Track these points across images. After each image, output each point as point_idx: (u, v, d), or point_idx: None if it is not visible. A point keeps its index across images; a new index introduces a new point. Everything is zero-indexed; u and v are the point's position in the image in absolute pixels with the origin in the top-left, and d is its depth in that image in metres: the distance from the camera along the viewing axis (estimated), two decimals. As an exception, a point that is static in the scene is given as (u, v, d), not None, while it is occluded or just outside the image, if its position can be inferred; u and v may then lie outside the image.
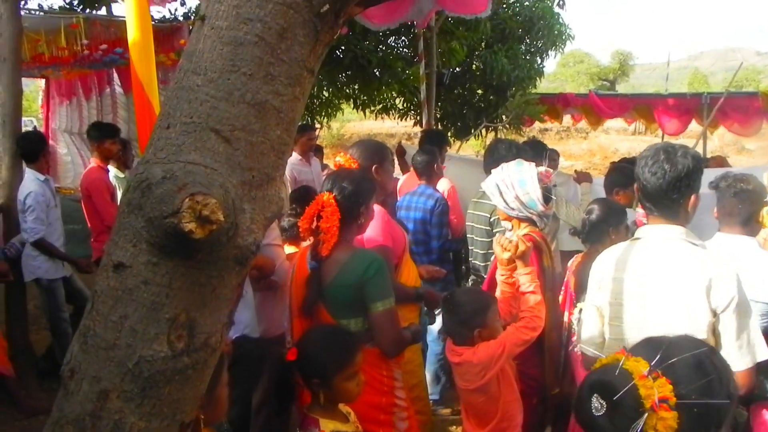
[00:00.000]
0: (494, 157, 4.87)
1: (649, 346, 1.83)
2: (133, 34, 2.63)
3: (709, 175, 3.60)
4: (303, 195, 4.61)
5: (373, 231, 3.69)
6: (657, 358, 1.73)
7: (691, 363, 1.76)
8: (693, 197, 2.82)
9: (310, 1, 1.51)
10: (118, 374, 1.51)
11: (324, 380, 2.63)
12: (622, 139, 29.49)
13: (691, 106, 12.69)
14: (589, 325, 3.04)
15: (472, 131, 13.03)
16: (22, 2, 6.02)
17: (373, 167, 3.92)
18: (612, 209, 4.12)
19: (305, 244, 3.53)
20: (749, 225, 3.70)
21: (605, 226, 4.08)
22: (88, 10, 11.45)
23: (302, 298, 3.24)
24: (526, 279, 3.44)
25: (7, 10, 5.29)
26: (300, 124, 9.18)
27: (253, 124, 1.51)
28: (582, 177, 6.09)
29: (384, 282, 3.11)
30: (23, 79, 6.25)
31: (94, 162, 6.45)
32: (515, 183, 3.85)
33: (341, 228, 3.15)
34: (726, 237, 3.75)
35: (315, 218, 3.20)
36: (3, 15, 5.31)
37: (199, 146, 1.47)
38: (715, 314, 2.66)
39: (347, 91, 12.87)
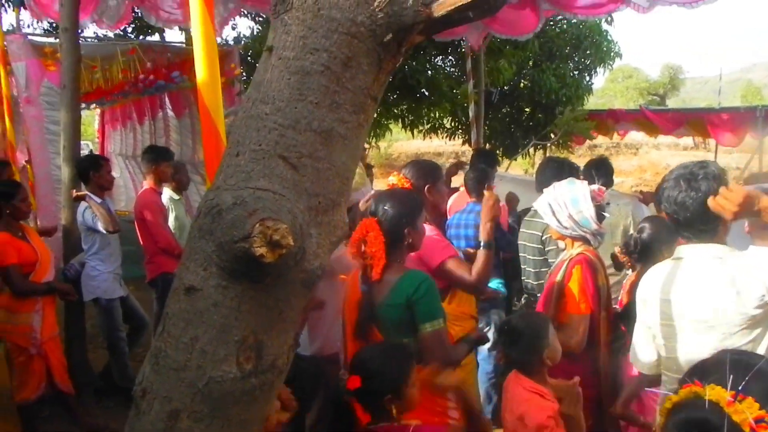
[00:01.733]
0: (546, 175, 4.87)
1: (715, 370, 1.80)
2: (200, 60, 2.69)
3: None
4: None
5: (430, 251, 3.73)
6: (731, 379, 1.70)
7: (762, 376, 1.73)
8: None
9: (373, 31, 1.55)
10: (189, 394, 1.55)
11: (397, 393, 2.65)
12: (673, 154, 29.05)
13: (745, 119, 12.47)
14: (641, 346, 3.04)
15: (521, 150, 13.00)
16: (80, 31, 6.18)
17: (426, 187, 3.95)
18: (664, 227, 4.08)
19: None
20: None
21: (657, 245, 4.05)
22: (141, 37, 11.76)
23: (355, 321, 3.28)
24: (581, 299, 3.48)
25: (66, 40, 5.47)
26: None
27: (319, 150, 1.55)
28: (648, 197, 6.03)
29: (432, 302, 3.12)
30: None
31: (147, 184, 6.57)
32: (568, 202, 3.85)
33: (388, 250, 3.19)
34: (759, 250, 3.70)
35: (361, 243, 3.24)
36: (63, 44, 5.49)
37: (268, 173, 1.51)
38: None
39: (396, 110, 12.95)
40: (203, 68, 2.71)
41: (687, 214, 2.79)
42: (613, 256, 4.57)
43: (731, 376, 1.67)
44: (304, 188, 1.54)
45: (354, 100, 1.58)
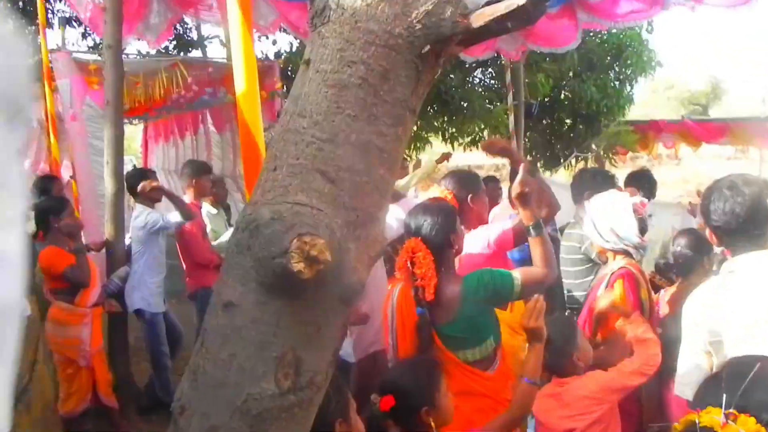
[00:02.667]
0: (581, 186, 4.84)
1: (713, 388, 1.79)
2: (239, 76, 2.71)
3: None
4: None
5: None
6: (724, 397, 1.69)
7: (756, 384, 1.71)
8: None
9: (411, 43, 1.53)
10: (227, 411, 1.54)
11: (432, 403, 2.65)
12: (718, 164, 28.59)
13: None
14: (686, 368, 2.96)
15: (562, 161, 12.89)
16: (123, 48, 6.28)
17: (469, 197, 3.95)
18: (701, 239, 4.04)
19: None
20: None
21: (697, 256, 4.01)
22: (183, 53, 11.92)
23: (414, 346, 3.26)
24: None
25: (110, 57, 5.55)
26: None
27: (357, 164, 1.53)
28: (696, 209, 5.95)
29: (502, 275, 3.23)
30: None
31: (188, 199, 6.63)
32: (610, 215, 3.80)
33: (437, 266, 3.16)
34: None
35: (409, 265, 3.22)
36: (107, 61, 5.57)
37: (306, 187, 1.50)
38: None
39: (435, 124, 12.95)
40: (243, 82, 2.72)
41: (739, 220, 2.74)
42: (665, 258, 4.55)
43: (725, 395, 1.66)
44: (342, 202, 1.52)
45: (392, 113, 1.56)
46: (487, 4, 1.56)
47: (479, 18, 1.55)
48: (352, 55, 1.53)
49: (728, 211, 2.76)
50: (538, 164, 12.97)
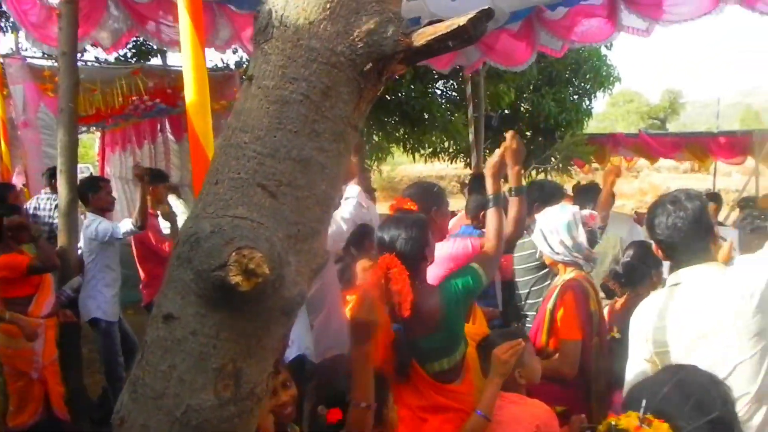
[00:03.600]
0: (531, 198, 4.88)
1: (634, 395, 1.87)
2: (189, 85, 2.71)
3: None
4: (361, 236, 4.58)
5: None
6: (643, 402, 1.77)
7: (676, 391, 1.79)
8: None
9: (353, 61, 1.57)
10: (167, 423, 1.54)
11: (379, 419, 2.65)
12: (674, 177, 29.11)
13: (743, 143, 12.55)
14: (633, 376, 3.02)
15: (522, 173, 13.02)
16: (80, 54, 6.22)
17: (433, 210, 3.96)
18: (650, 251, 4.11)
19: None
20: None
21: (645, 269, 4.07)
22: (142, 61, 11.83)
23: (391, 362, 3.25)
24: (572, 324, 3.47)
25: (64, 63, 5.49)
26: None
27: (298, 179, 1.55)
28: (643, 219, 6.03)
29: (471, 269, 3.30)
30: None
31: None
32: (560, 227, 3.86)
33: (412, 280, 3.16)
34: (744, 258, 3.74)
35: (384, 282, 3.21)
36: (61, 67, 5.52)
37: (246, 201, 1.52)
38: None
39: (396, 135, 13.00)
40: (192, 93, 2.72)
41: (681, 234, 2.83)
42: (603, 286, 4.58)
43: (644, 399, 1.74)
44: (284, 216, 1.54)
45: (334, 129, 1.59)
46: (430, 23, 1.60)
47: (421, 37, 1.58)
48: (294, 71, 1.56)
49: (671, 226, 2.84)
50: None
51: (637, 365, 2.99)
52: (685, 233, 2.82)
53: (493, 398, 3.02)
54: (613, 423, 1.78)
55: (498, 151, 3.53)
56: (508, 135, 3.59)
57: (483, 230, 5.51)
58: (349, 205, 4.11)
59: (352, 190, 4.21)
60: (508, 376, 3.11)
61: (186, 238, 1.52)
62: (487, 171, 3.56)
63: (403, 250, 3.20)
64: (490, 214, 3.48)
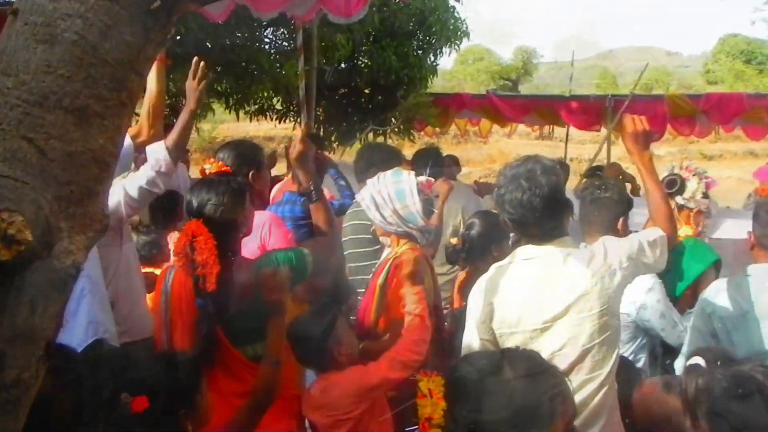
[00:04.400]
0: (364, 163, 4.91)
1: None
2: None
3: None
4: (169, 205, 4.47)
5: (278, 241, 3.72)
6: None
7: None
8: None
9: (138, -4, 1.54)
10: None
11: (191, 406, 2.65)
12: (525, 143, 30.18)
13: (596, 108, 13.03)
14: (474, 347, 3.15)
15: (358, 135, 13.08)
16: None
17: (250, 173, 3.91)
18: (495, 223, 4.21)
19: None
20: (609, 233, 3.89)
21: (488, 243, 4.18)
22: None
23: (191, 341, 3.20)
24: (412, 299, 3.48)
25: None
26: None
27: (71, 132, 1.51)
28: (484, 189, 6.20)
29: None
30: None
31: None
32: (392, 195, 3.87)
33: (222, 252, 3.14)
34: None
35: (187, 250, 3.16)
36: None
37: (9, 156, 1.46)
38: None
39: (218, 88, 12.69)
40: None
41: (536, 214, 2.94)
42: (449, 251, 4.69)
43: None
44: (53, 175, 1.50)
45: (114, 75, 1.55)
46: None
47: (219, -27, 1.58)
48: (67, 6, 1.51)
49: (525, 204, 2.94)
50: (332, 138, 13.11)
51: (472, 343, 3.11)
52: (540, 212, 2.94)
53: (278, 341, 3.14)
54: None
55: (296, 142, 3.59)
56: (302, 129, 3.63)
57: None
58: (154, 171, 3.99)
59: (158, 155, 4.07)
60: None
61: (-68, 199, 1.45)
62: (294, 162, 3.63)
63: (212, 216, 3.18)
64: (314, 210, 3.55)
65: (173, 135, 3.67)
